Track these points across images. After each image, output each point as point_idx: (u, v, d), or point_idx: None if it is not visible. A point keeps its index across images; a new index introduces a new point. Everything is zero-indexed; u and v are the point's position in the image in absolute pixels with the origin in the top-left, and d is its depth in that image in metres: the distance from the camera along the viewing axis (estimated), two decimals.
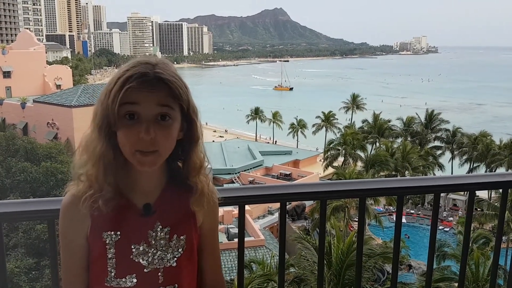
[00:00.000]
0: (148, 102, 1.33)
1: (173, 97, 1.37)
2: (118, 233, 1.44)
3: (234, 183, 41.05)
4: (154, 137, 1.33)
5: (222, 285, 1.70)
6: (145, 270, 1.45)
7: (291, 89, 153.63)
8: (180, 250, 1.47)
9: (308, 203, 35.93)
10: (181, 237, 1.48)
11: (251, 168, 45.91)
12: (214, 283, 1.67)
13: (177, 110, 1.38)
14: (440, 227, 37.46)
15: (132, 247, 1.44)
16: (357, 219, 33.35)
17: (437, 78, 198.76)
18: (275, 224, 33.70)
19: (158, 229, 1.46)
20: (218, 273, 1.69)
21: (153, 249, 1.45)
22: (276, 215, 35.21)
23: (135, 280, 1.44)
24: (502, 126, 74.97)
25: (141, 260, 1.44)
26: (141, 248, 1.44)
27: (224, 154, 49.60)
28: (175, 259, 1.47)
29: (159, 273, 1.46)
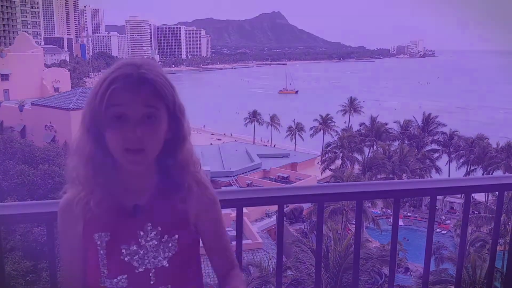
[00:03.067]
0: (134, 103, 1.35)
1: (158, 97, 1.38)
2: (108, 233, 1.45)
3: (232, 186, 41.02)
4: (141, 137, 1.34)
5: (236, 269, 1.66)
6: (136, 270, 1.45)
7: (296, 92, 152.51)
8: (172, 250, 1.47)
9: (306, 206, 35.93)
10: (173, 237, 1.47)
11: (249, 171, 45.91)
12: (228, 270, 1.64)
13: (162, 110, 1.39)
14: (438, 230, 37.51)
15: (122, 247, 1.44)
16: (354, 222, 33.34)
17: (434, 81, 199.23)
18: (273, 227, 33.68)
19: (148, 229, 1.46)
20: (230, 261, 1.65)
21: (143, 250, 1.45)
22: (274, 217, 35.18)
23: (126, 281, 1.44)
24: (494, 130, 74.96)
25: (131, 261, 1.45)
26: (131, 249, 1.44)
27: (221, 157, 49.60)
28: (167, 259, 1.46)
29: (151, 274, 1.45)
